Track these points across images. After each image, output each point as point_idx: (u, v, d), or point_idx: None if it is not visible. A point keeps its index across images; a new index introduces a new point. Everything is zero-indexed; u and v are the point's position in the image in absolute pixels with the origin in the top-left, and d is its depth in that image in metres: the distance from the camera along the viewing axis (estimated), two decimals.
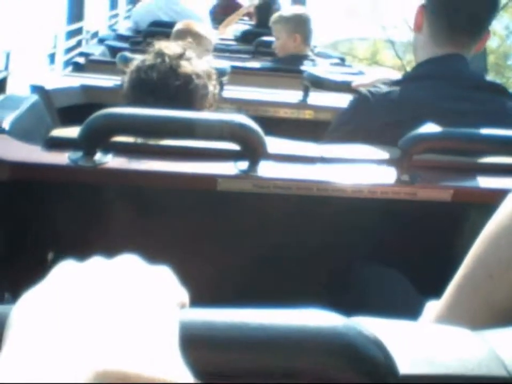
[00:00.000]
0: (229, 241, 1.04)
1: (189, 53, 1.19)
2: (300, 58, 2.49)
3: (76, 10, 4.36)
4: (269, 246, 1.03)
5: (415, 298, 0.91)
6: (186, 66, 1.15)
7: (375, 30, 15.10)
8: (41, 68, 3.09)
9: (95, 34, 4.11)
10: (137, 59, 1.20)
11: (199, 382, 0.32)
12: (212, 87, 1.20)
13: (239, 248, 1.03)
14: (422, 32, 1.27)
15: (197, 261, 1.02)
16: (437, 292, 0.71)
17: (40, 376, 0.26)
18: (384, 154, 1.04)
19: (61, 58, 3.22)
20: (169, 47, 1.18)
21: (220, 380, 0.34)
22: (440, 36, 1.24)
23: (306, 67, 2.28)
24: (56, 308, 0.30)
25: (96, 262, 0.35)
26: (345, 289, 0.96)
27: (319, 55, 2.96)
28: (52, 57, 3.28)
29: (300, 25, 2.57)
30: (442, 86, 1.20)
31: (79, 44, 3.79)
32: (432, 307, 0.68)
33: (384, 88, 1.26)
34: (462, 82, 1.23)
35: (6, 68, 2.48)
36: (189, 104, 1.15)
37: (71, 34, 3.87)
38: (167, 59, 1.15)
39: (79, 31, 4.00)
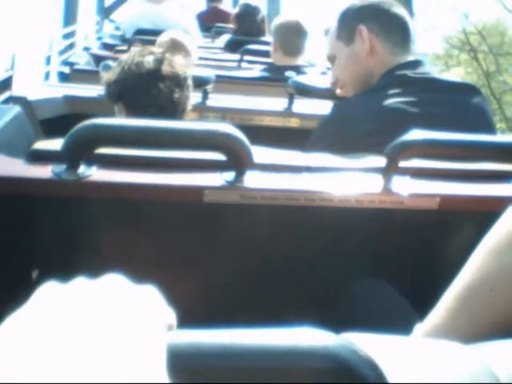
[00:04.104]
0: (217, 253, 1.02)
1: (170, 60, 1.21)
2: (287, 68, 2.24)
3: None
4: (257, 257, 1.02)
5: (406, 310, 0.90)
6: (169, 71, 1.17)
7: None
8: (38, 68, 3.17)
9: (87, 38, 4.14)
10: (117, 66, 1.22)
11: None
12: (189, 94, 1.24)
13: (227, 260, 1.02)
14: (374, 49, 1.32)
15: (185, 273, 1.01)
16: (428, 302, 0.70)
17: None
18: (370, 162, 1.04)
19: (56, 59, 3.27)
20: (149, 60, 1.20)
21: None
22: (397, 47, 1.32)
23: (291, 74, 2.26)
24: (41, 332, 0.30)
25: (80, 283, 0.35)
26: (335, 302, 0.95)
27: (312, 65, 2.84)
28: (48, 59, 3.36)
29: (277, 34, 2.43)
30: (416, 91, 1.22)
31: (71, 47, 3.79)
32: (426, 320, 0.66)
33: (359, 98, 1.27)
34: (434, 86, 1.24)
35: (12, 67, 2.65)
36: (172, 113, 1.16)
37: (66, 37, 3.87)
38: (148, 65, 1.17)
39: (73, 34, 4.02)
